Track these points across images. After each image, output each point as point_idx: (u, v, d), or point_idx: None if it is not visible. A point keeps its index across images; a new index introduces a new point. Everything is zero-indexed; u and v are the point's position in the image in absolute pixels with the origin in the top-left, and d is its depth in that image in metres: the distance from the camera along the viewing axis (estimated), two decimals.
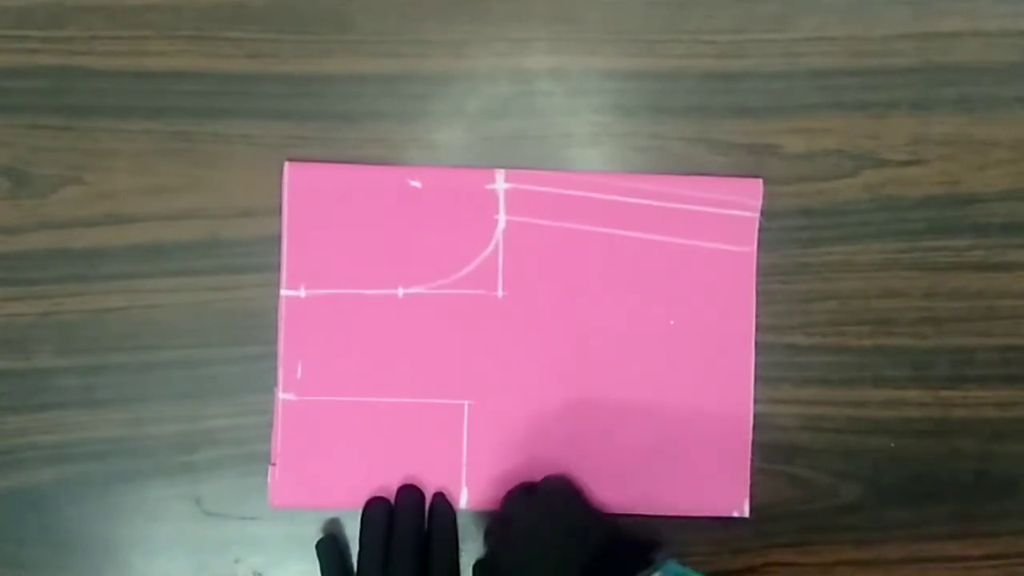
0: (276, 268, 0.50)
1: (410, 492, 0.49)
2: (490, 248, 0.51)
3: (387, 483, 0.50)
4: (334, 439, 0.50)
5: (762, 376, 0.51)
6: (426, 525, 0.49)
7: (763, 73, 0.51)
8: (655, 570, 0.42)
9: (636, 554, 0.43)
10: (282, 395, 0.50)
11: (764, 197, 0.51)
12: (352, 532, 0.50)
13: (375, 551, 0.47)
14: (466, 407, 0.50)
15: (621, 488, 0.50)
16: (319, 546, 0.49)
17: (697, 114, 0.51)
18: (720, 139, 0.51)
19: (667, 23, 0.51)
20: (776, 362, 0.51)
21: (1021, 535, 0.51)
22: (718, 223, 0.51)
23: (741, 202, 0.51)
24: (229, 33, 0.50)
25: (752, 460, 0.51)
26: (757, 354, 0.51)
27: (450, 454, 0.50)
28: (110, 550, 0.50)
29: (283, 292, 0.50)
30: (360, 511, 0.49)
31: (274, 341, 0.50)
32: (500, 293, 0.51)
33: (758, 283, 0.51)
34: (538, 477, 0.49)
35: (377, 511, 0.48)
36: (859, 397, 0.51)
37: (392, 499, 0.49)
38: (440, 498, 0.49)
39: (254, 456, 0.50)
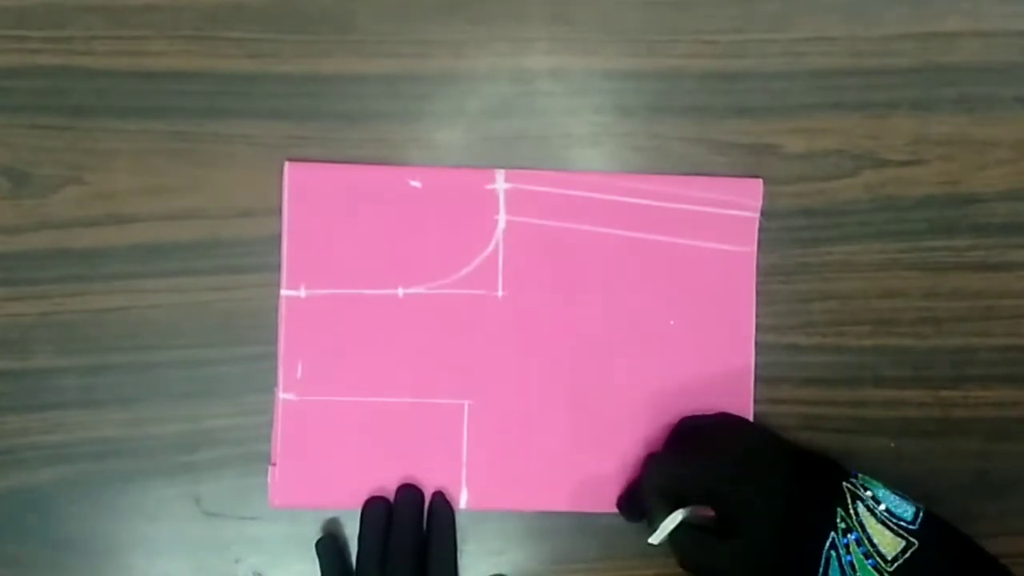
0: (276, 268, 0.50)
1: (409, 492, 0.49)
2: (490, 248, 0.51)
3: (387, 483, 0.50)
4: (334, 439, 0.50)
5: (762, 376, 0.51)
6: (425, 525, 0.49)
7: (763, 73, 0.51)
8: (862, 483, 0.43)
9: (832, 467, 0.45)
10: (282, 395, 0.50)
11: (764, 197, 0.51)
12: (352, 532, 0.50)
13: (374, 551, 0.47)
14: (466, 407, 0.50)
15: (621, 487, 0.50)
16: (318, 545, 0.49)
17: (697, 114, 0.51)
18: (720, 139, 0.51)
19: (667, 23, 0.51)
20: (776, 362, 0.51)
21: (1021, 535, 0.51)
22: (718, 223, 0.51)
23: (741, 202, 0.51)
24: (229, 33, 0.50)
25: None
26: (757, 354, 0.51)
27: (450, 454, 0.50)
28: (110, 550, 0.50)
29: (283, 292, 0.50)
30: (360, 511, 0.49)
31: (274, 341, 0.50)
32: (500, 293, 0.51)
33: (758, 283, 0.51)
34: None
35: (376, 511, 0.48)
36: (859, 397, 0.52)
37: (392, 499, 0.49)
38: (439, 498, 0.49)
39: (254, 456, 0.50)
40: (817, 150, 0.51)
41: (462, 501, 0.50)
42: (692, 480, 0.45)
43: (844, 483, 0.44)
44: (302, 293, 0.50)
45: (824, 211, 0.51)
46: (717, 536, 0.44)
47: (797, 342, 0.51)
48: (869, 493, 0.43)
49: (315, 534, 0.50)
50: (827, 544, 0.42)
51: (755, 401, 0.51)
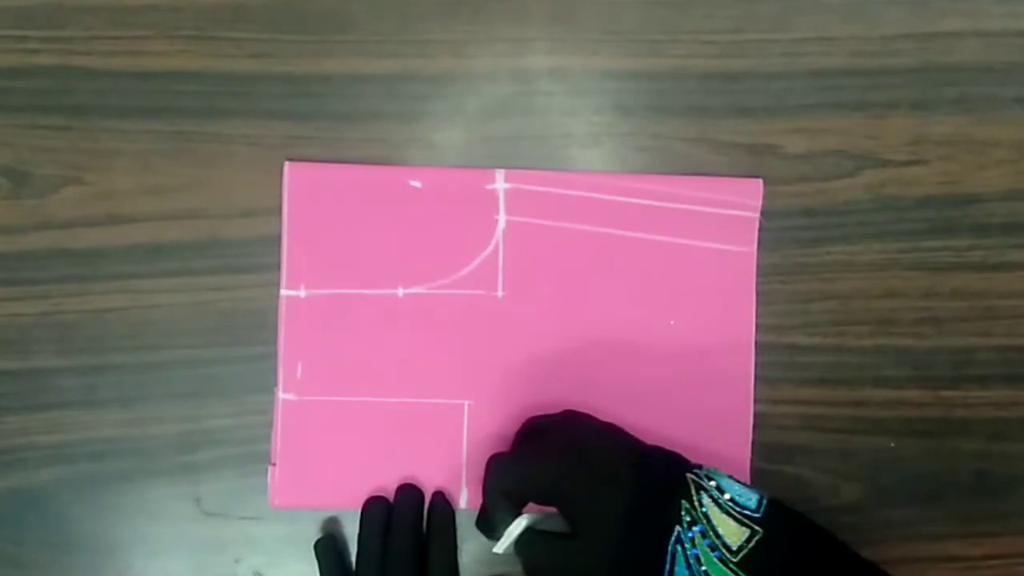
0: (276, 268, 0.50)
1: (409, 492, 0.49)
2: (490, 248, 0.51)
3: (387, 483, 0.50)
4: (334, 439, 0.50)
5: (762, 376, 0.51)
6: (425, 525, 0.49)
7: (763, 73, 0.51)
8: (706, 474, 0.43)
9: (676, 460, 0.44)
10: (282, 395, 0.50)
11: (764, 197, 0.51)
12: (352, 532, 0.50)
13: (373, 551, 0.47)
14: (466, 407, 0.50)
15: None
16: (317, 546, 0.49)
17: (697, 114, 0.51)
18: (720, 139, 0.51)
19: (667, 23, 0.51)
20: (776, 362, 0.51)
21: (1021, 535, 0.51)
22: (718, 223, 0.51)
23: (741, 202, 0.51)
24: (229, 33, 0.50)
25: (752, 460, 0.51)
26: (757, 354, 0.51)
27: (450, 454, 0.50)
28: (110, 550, 0.50)
29: (283, 292, 0.50)
30: (359, 511, 0.49)
31: (274, 341, 0.50)
32: (500, 293, 0.51)
33: (758, 283, 0.51)
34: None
35: (376, 511, 0.48)
36: (859, 397, 0.51)
37: (392, 499, 0.49)
38: (439, 498, 0.49)
39: (254, 456, 0.50)
40: (817, 150, 0.51)
41: (462, 501, 0.50)
42: (533, 479, 0.44)
43: (688, 474, 0.43)
44: (302, 293, 0.50)
45: (824, 211, 0.51)
46: (561, 538, 0.43)
47: (797, 342, 0.51)
48: (713, 483, 0.42)
49: (315, 534, 0.50)
50: (672, 538, 0.41)
51: (755, 401, 0.51)
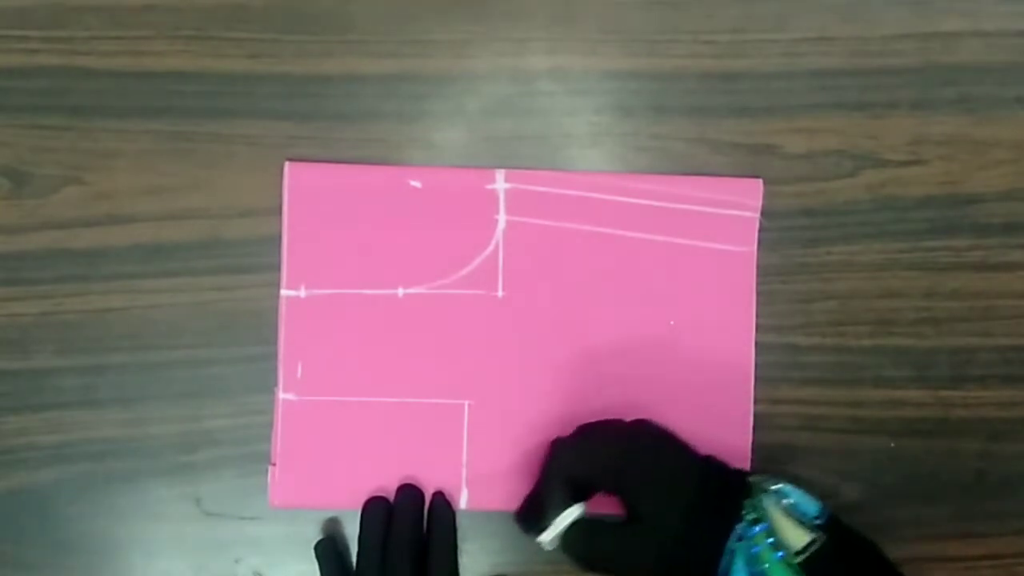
0: (276, 268, 0.50)
1: (409, 492, 0.49)
2: (490, 248, 0.51)
3: (387, 483, 0.50)
4: (334, 439, 0.50)
5: (762, 376, 0.51)
6: (425, 525, 0.49)
7: (763, 73, 0.51)
8: (771, 480, 0.43)
9: (737, 467, 0.45)
10: (282, 395, 0.50)
11: (764, 197, 0.51)
12: (352, 532, 0.50)
13: (373, 551, 0.47)
14: (466, 407, 0.50)
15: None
16: (317, 548, 0.49)
17: (697, 114, 0.51)
18: (720, 139, 0.51)
19: (667, 23, 0.51)
20: (776, 362, 0.51)
21: (1021, 535, 0.51)
22: (718, 223, 0.51)
23: (741, 202, 0.51)
24: (229, 33, 0.50)
25: (752, 460, 0.51)
26: (757, 354, 0.51)
27: (450, 454, 0.50)
28: (110, 550, 0.50)
29: (283, 292, 0.50)
30: (360, 511, 0.49)
31: (274, 341, 0.50)
32: (500, 293, 0.51)
33: (758, 283, 0.51)
34: (537, 475, 0.49)
35: (376, 511, 0.48)
36: (859, 397, 0.52)
37: (392, 499, 0.49)
38: (440, 498, 0.49)
39: (254, 456, 0.50)
40: (817, 150, 0.51)
41: (462, 501, 0.50)
42: (602, 463, 0.45)
43: (750, 477, 0.44)
44: (302, 293, 0.50)
45: (824, 211, 0.51)
46: (619, 525, 0.44)
47: (797, 342, 0.51)
48: (776, 487, 0.43)
49: (315, 534, 0.50)
50: (734, 535, 0.42)
51: (755, 401, 0.51)
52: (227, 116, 0.50)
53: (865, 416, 0.51)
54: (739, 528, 0.42)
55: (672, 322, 0.51)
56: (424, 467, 0.50)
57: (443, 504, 0.49)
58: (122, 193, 0.50)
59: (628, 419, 0.47)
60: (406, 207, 0.50)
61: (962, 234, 0.52)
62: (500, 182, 0.50)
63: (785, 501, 0.42)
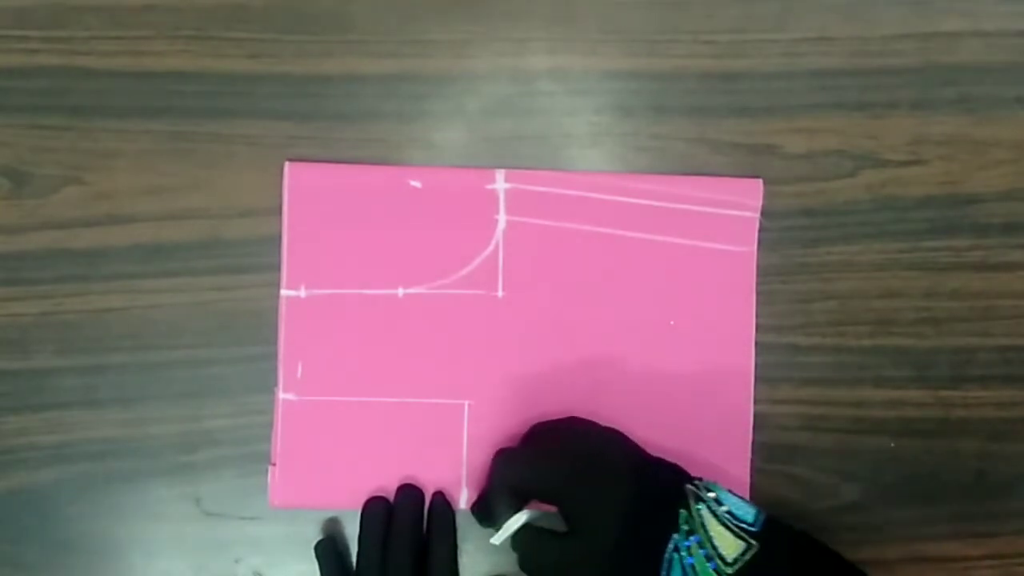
0: (276, 268, 0.50)
1: (409, 492, 0.49)
2: (490, 248, 0.51)
3: (387, 483, 0.50)
4: (334, 439, 0.50)
5: (762, 376, 0.51)
6: (425, 525, 0.49)
7: (763, 73, 0.51)
8: (705, 486, 0.43)
9: (675, 470, 0.44)
10: (282, 395, 0.50)
11: (764, 197, 0.51)
12: (352, 532, 0.50)
13: (373, 551, 0.47)
14: (466, 407, 0.50)
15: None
16: (317, 548, 0.49)
17: (697, 114, 0.51)
18: (720, 139, 0.51)
19: (667, 23, 0.51)
20: (776, 362, 0.51)
21: (1021, 535, 0.51)
22: (718, 223, 0.51)
23: (741, 202, 0.51)
24: (229, 33, 0.50)
25: (752, 460, 0.51)
26: (757, 354, 0.51)
27: (450, 454, 0.50)
28: (110, 550, 0.50)
29: (283, 292, 0.50)
30: (360, 511, 0.49)
31: (274, 341, 0.50)
32: (500, 293, 0.51)
33: (758, 283, 0.51)
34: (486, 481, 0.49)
35: (376, 511, 0.48)
36: (859, 397, 0.52)
37: (392, 499, 0.49)
38: (439, 498, 0.49)
39: (254, 456, 0.50)
40: (817, 150, 0.51)
41: (462, 501, 0.50)
42: (538, 477, 0.45)
43: (687, 485, 0.43)
44: (302, 293, 0.50)
45: (824, 211, 0.51)
46: (557, 536, 0.44)
47: (797, 342, 0.51)
48: (712, 495, 0.43)
49: (315, 534, 0.50)
50: (670, 546, 0.41)
51: (755, 401, 0.51)
52: (227, 116, 0.50)
53: (865, 416, 0.51)
54: (675, 538, 0.41)
55: (672, 322, 0.51)
56: (424, 467, 0.50)
57: (443, 504, 0.49)
58: (122, 193, 0.50)
59: (566, 420, 0.48)
60: (406, 207, 0.50)
61: (962, 234, 0.52)
62: (500, 182, 0.50)
63: (721, 508, 0.42)
